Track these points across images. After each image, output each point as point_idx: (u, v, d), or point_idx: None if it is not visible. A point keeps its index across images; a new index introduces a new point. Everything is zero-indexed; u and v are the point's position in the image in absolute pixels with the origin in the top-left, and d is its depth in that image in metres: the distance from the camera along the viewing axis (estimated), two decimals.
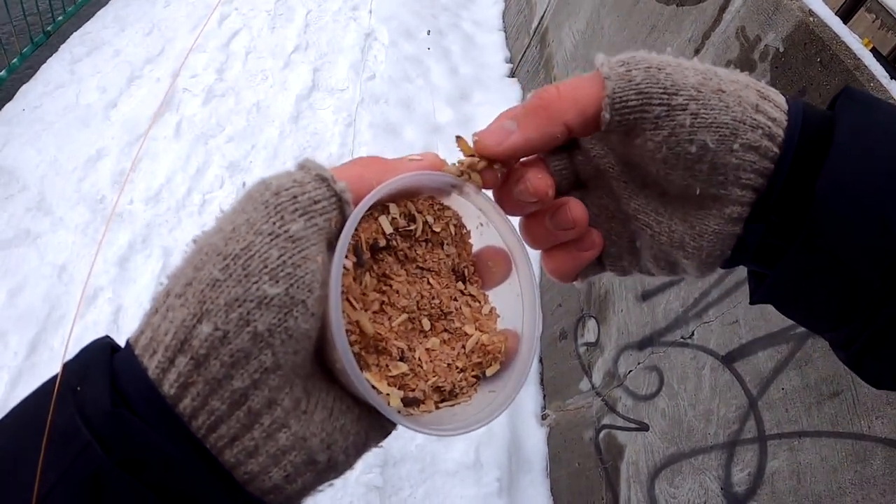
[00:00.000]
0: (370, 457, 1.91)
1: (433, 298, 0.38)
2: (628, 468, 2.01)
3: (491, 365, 0.39)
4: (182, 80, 3.43)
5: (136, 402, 0.30)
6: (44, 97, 3.22)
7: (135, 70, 3.45)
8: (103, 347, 0.33)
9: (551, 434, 2.56)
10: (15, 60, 3.31)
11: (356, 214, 0.32)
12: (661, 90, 0.36)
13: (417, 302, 0.37)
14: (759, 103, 0.36)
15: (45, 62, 3.45)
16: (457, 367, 0.38)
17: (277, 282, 0.30)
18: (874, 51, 2.32)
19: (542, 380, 2.78)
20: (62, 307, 2.40)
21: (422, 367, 0.37)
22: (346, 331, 0.33)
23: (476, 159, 0.38)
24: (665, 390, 1.92)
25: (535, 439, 2.55)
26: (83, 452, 0.28)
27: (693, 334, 1.86)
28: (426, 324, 0.37)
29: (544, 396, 2.71)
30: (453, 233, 0.40)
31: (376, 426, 0.36)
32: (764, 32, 1.85)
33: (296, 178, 0.33)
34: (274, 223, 0.31)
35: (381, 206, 0.36)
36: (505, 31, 4.75)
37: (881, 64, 1.48)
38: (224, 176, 2.98)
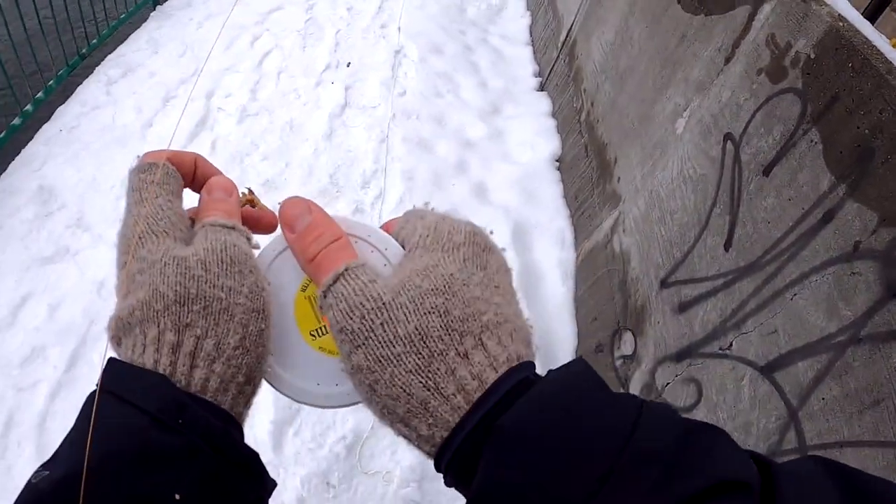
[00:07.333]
0: (407, 472, 1.85)
1: None
2: None
3: None
4: (216, 99, 3.47)
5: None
6: (81, 118, 3.28)
7: (170, 91, 3.51)
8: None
9: None
10: (51, 82, 3.38)
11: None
12: None
13: None
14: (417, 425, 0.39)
15: (80, 84, 3.52)
16: None
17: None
18: None
19: None
20: (101, 322, 2.42)
21: None
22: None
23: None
24: (703, 402, 1.88)
25: None
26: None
27: (731, 345, 1.82)
28: None
29: None
30: None
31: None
32: (794, 39, 1.83)
33: None
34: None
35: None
36: (533, 45, 4.75)
37: None
38: (260, 193, 2.96)
